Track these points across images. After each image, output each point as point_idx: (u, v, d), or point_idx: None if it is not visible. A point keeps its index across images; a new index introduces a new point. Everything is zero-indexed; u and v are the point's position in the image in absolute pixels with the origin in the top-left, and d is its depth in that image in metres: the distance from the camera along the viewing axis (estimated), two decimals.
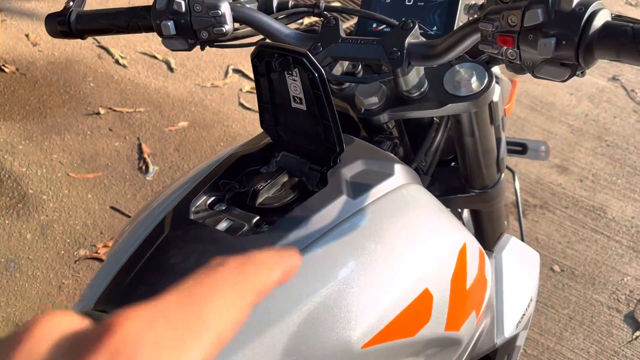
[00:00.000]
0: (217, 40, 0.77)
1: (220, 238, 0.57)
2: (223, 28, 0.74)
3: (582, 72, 0.56)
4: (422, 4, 0.80)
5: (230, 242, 0.56)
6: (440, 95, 0.74)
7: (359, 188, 0.63)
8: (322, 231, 0.58)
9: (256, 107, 2.43)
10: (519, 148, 1.33)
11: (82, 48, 2.57)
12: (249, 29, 0.79)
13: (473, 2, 0.74)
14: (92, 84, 2.40)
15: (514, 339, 0.83)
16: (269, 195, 0.64)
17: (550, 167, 2.33)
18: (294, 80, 0.61)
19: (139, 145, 2.15)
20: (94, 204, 1.93)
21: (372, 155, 0.69)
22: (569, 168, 2.34)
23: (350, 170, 0.65)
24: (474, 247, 0.68)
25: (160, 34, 0.76)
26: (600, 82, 2.80)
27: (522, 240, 1.41)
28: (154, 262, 0.56)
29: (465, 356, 0.72)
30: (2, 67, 2.42)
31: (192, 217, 0.60)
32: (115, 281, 0.55)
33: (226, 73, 2.52)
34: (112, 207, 1.92)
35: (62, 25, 0.80)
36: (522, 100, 2.65)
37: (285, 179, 0.66)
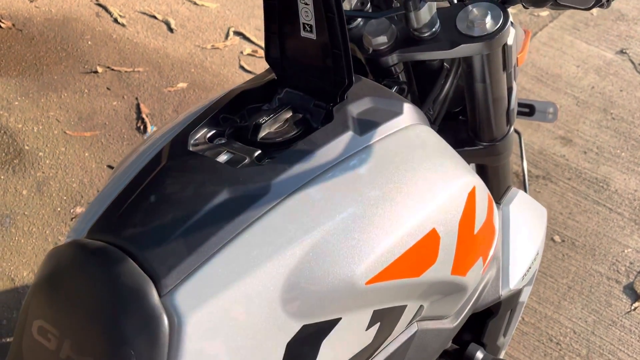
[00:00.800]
0: None
1: (219, 169, 0.54)
2: None
3: (607, 1, 0.52)
4: None
5: (231, 172, 0.53)
6: (452, 36, 0.71)
7: (366, 125, 0.60)
8: (327, 166, 0.55)
9: (257, 70, 2.39)
10: (526, 109, 1.29)
11: (80, 5, 2.51)
12: None
13: None
14: (89, 42, 2.34)
15: (517, 294, 0.81)
16: (272, 130, 0.61)
17: (554, 138, 2.30)
18: (306, 4, 0.58)
19: (137, 105, 2.11)
20: (91, 163, 1.90)
21: (380, 93, 0.66)
22: (573, 140, 2.31)
23: (357, 107, 0.62)
24: (483, 191, 0.65)
25: None
26: (608, 55, 2.75)
27: (525, 179, 1.39)
28: (150, 192, 0.53)
29: (469, 306, 0.70)
30: None
31: (190, 149, 0.58)
32: (110, 210, 0.52)
33: (227, 35, 2.47)
34: (109, 166, 1.89)
35: None
36: (527, 71, 2.61)
37: (289, 114, 0.63)
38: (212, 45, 2.41)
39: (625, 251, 1.92)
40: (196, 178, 0.53)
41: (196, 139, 0.60)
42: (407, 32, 0.72)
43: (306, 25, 0.60)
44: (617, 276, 1.85)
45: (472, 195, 0.62)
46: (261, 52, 2.40)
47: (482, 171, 1.00)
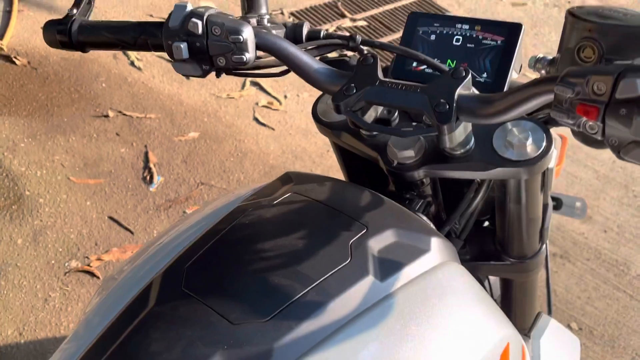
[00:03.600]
0: (236, 68, 0.67)
1: (215, 323, 0.46)
2: (244, 56, 0.64)
3: None
4: (472, 45, 0.69)
5: (228, 330, 0.45)
6: (487, 156, 0.63)
7: (389, 267, 0.52)
8: (341, 323, 0.47)
9: (271, 123, 2.33)
10: (553, 202, 1.21)
11: None
12: (273, 58, 0.68)
13: (541, 55, 0.64)
14: (104, 85, 2.31)
15: None
16: None
17: None
18: None
19: (146, 154, 2.06)
20: (92, 213, 1.83)
21: (405, 223, 0.58)
22: (593, 217, 2.22)
23: (378, 243, 0.54)
24: (517, 346, 0.57)
25: (172, 56, 0.66)
26: None
27: (549, 290, 1.29)
28: (130, 347, 0.45)
29: None
30: (14, 58, 2.34)
31: (186, 287, 0.50)
32: None
33: (243, 85, 2.43)
34: (110, 218, 1.82)
35: (62, 34, 0.71)
36: None
37: None
38: (228, 95, 2.37)
39: None
40: (185, 334, 0.45)
41: (196, 269, 0.52)
42: (438, 147, 0.65)
43: None
44: None
45: (505, 356, 0.53)
46: (276, 105, 2.35)
47: (506, 285, 0.91)
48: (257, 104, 2.36)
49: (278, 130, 2.26)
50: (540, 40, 3.07)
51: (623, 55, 0.51)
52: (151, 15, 2.70)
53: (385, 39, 2.78)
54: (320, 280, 0.50)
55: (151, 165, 2.01)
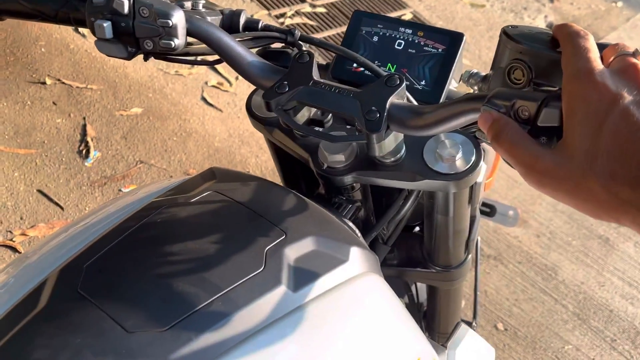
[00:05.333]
0: (165, 53, 0.63)
1: (110, 330, 0.43)
2: (172, 42, 0.60)
3: None
4: (414, 51, 0.68)
5: (120, 339, 0.42)
6: (417, 167, 0.63)
7: (304, 277, 0.50)
8: (245, 335, 0.45)
9: (218, 104, 2.27)
10: (487, 210, 1.23)
11: None
12: (205, 46, 0.65)
13: (475, 71, 0.63)
14: (43, 49, 2.18)
15: None
16: None
17: None
18: None
19: (84, 126, 1.97)
20: (20, 184, 1.73)
21: (327, 231, 0.56)
22: (528, 221, 2.29)
23: (296, 251, 0.52)
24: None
25: (94, 34, 0.62)
26: None
27: (476, 296, 1.32)
28: (8, 355, 0.41)
29: None
30: None
31: (82, 288, 0.46)
32: None
33: None
34: (39, 191, 1.73)
35: None
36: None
37: None
38: (176, 71, 2.29)
39: (566, 347, 1.88)
40: (74, 341, 0.42)
41: (96, 269, 0.48)
42: (369, 154, 0.64)
43: None
44: None
45: None
46: (226, 86, 2.29)
47: (432, 291, 0.92)
48: (206, 83, 2.29)
49: (226, 112, 2.20)
50: (494, 42, 3.12)
51: (551, 81, 0.51)
52: None
53: (342, 28, 2.75)
54: (228, 289, 0.47)
55: (88, 139, 1.92)
